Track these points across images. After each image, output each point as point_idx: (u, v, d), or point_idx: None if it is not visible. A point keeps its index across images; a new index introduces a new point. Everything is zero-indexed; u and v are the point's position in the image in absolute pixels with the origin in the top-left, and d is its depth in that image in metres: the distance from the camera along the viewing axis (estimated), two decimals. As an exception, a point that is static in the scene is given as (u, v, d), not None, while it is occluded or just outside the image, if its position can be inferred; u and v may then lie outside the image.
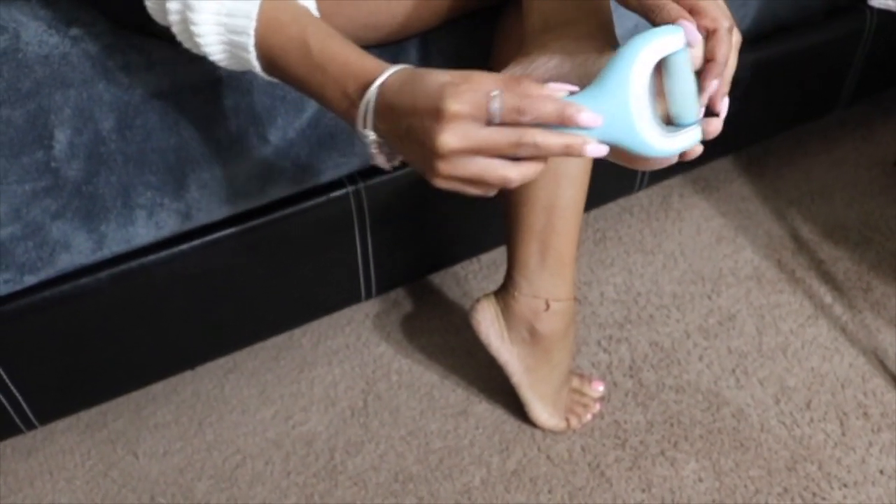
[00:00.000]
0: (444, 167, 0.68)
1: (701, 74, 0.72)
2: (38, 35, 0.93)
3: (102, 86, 0.94)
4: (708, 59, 0.72)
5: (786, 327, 1.37)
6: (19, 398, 1.10)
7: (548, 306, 1.13)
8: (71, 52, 0.93)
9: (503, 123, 0.67)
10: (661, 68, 0.70)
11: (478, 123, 0.67)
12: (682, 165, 0.78)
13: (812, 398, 1.28)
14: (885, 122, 1.71)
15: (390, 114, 0.71)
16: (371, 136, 0.74)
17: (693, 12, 0.71)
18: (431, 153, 0.68)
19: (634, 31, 1.13)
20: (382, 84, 0.71)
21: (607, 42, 0.80)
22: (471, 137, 0.67)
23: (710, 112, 0.76)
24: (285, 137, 1.03)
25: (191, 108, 0.97)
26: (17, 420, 1.13)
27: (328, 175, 1.10)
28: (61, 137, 0.93)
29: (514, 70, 0.81)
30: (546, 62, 0.78)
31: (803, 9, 1.34)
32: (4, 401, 1.09)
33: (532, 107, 0.67)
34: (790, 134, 1.66)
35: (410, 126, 0.69)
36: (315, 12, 0.81)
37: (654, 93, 0.71)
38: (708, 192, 1.58)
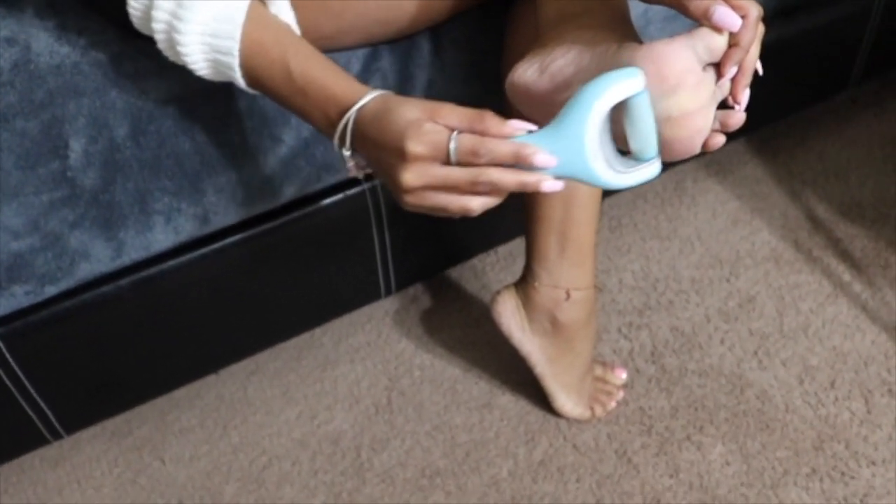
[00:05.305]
0: (408, 198, 0.74)
1: (722, 60, 0.72)
2: (48, 45, 0.93)
3: (115, 93, 0.94)
4: (731, 45, 0.72)
5: (806, 307, 1.37)
6: (45, 409, 1.11)
7: (568, 296, 1.13)
8: (82, 61, 0.93)
9: (462, 162, 0.71)
10: (621, 107, 0.72)
11: (437, 163, 0.72)
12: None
13: (836, 377, 1.28)
14: (897, 98, 1.70)
15: (363, 142, 0.76)
16: (348, 155, 0.78)
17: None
18: (396, 186, 0.74)
19: (644, 17, 1.13)
20: (360, 109, 0.76)
21: (624, 31, 0.80)
22: (430, 176, 0.72)
23: (727, 105, 0.76)
24: (299, 137, 1.03)
25: (204, 111, 0.97)
26: (44, 430, 1.13)
27: (344, 173, 1.09)
28: (76, 146, 0.93)
29: (531, 63, 0.80)
30: (564, 53, 0.78)
31: (811, -13, 1.33)
32: (31, 412, 1.10)
33: (487, 148, 0.71)
34: (802, 114, 1.65)
35: (378, 158, 0.75)
36: (296, 29, 0.84)
37: (611, 131, 0.74)
38: (721, 175, 1.57)
